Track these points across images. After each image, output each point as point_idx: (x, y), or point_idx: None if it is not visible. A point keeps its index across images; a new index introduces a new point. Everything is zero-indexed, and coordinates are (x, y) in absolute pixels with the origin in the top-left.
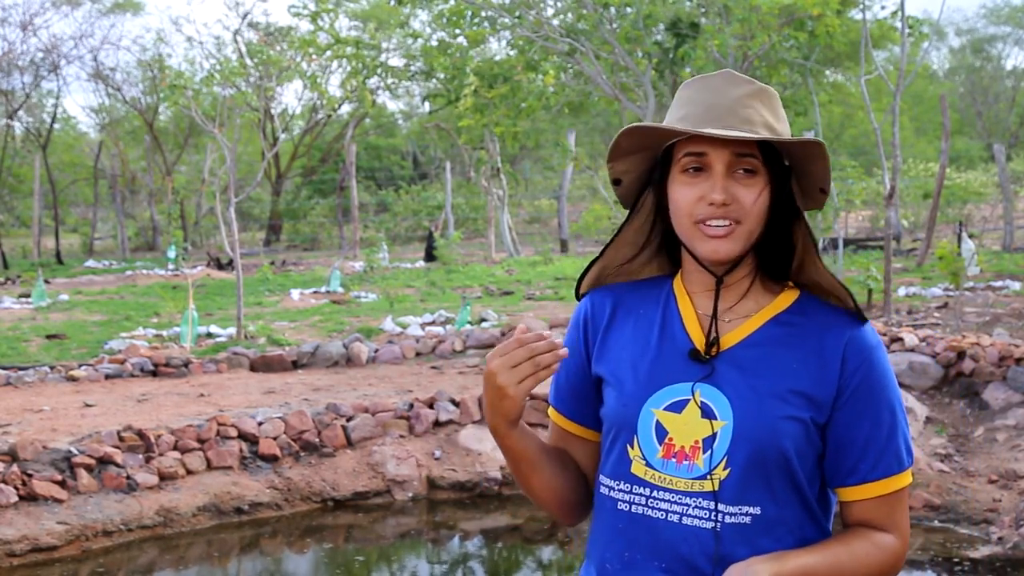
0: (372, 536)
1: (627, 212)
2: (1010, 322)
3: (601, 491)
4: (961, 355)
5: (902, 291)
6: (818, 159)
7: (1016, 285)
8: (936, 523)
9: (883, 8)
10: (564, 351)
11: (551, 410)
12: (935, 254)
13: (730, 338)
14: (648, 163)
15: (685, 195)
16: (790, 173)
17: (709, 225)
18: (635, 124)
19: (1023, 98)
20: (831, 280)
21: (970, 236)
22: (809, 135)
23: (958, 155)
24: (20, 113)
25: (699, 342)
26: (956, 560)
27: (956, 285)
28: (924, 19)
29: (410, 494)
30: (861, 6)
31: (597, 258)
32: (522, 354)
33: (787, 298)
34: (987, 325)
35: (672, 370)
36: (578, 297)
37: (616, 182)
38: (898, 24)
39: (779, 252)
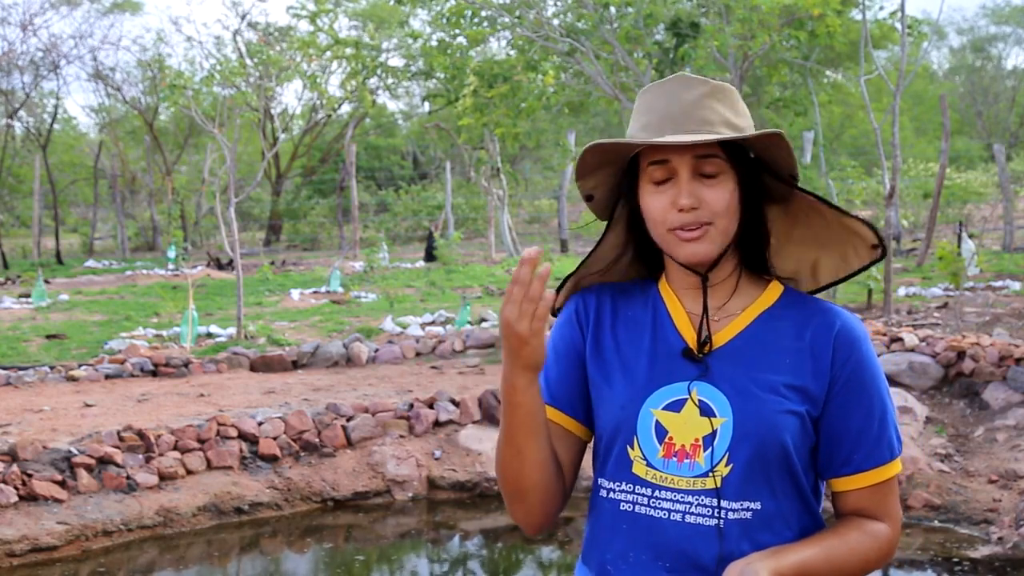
0: (372, 536)
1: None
2: (1010, 322)
3: (601, 494)
4: (961, 355)
5: (902, 291)
6: (780, 148)
7: (1016, 285)
8: (936, 523)
9: (882, 8)
10: (544, 268)
11: None
12: (935, 254)
13: (722, 336)
14: (617, 176)
15: (655, 204)
16: (759, 165)
17: (682, 230)
18: (597, 141)
19: (1023, 98)
20: (844, 225)
21: (970, 236)
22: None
23: (958, 155)
24: (20, 113)
25: (692, 341)
26: (956, 560)
27: (956, 285)
28: (924, 19)
29: (410, 494)
30: (861, 6)
31: (574, 272)
32: (519, 292)
33: (773, 293)
34: (987, 325)
35: (667, 370)
36: (554, 313)
37: (588, 198)
38: (898, 24)
39: (757, 243)
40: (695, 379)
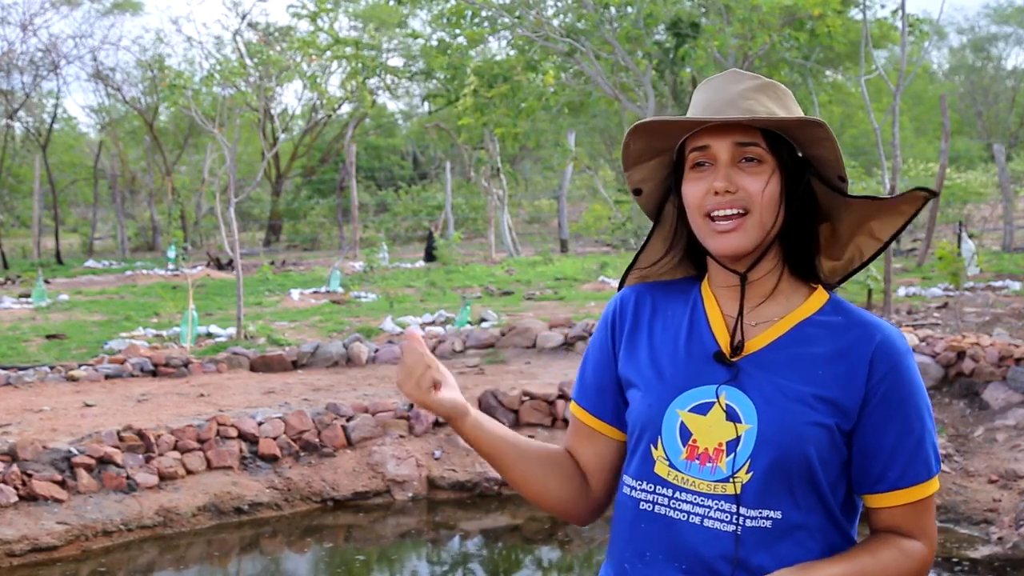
0: (372, 536)
1: (647, 222)
2: (1010, 322)
3: (624, 491)
4: (961, 355)
5: (902, 291)
6: (822, 141)
7: (1016, 285)
8: (936, 523)
9: (884, 7)
10: (414, 337)
11: (572, 404)
12: (935, 254)
13: (757, 341)
14: (666, 170)
15: (693, 190)
16: (806, 165)
17: (717, 218)
18: (640, 121)
19: (1023, 98)
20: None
21: (970, 236)
22: None
23: (958, 155)
24: (20, 113)
25: (725, 344)
26: (956, 560)
27: (956, 285)
28: (924, 19)
29: (410, 494)
30: (862, 6)
31: (629, 268)
32: (407, 364)
33: (816, 301)
34: (987, 325)
35: (698, 372)
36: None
37: (636, 192)
38: (899, 23)
39: (805, 249)
40: (724, 383)
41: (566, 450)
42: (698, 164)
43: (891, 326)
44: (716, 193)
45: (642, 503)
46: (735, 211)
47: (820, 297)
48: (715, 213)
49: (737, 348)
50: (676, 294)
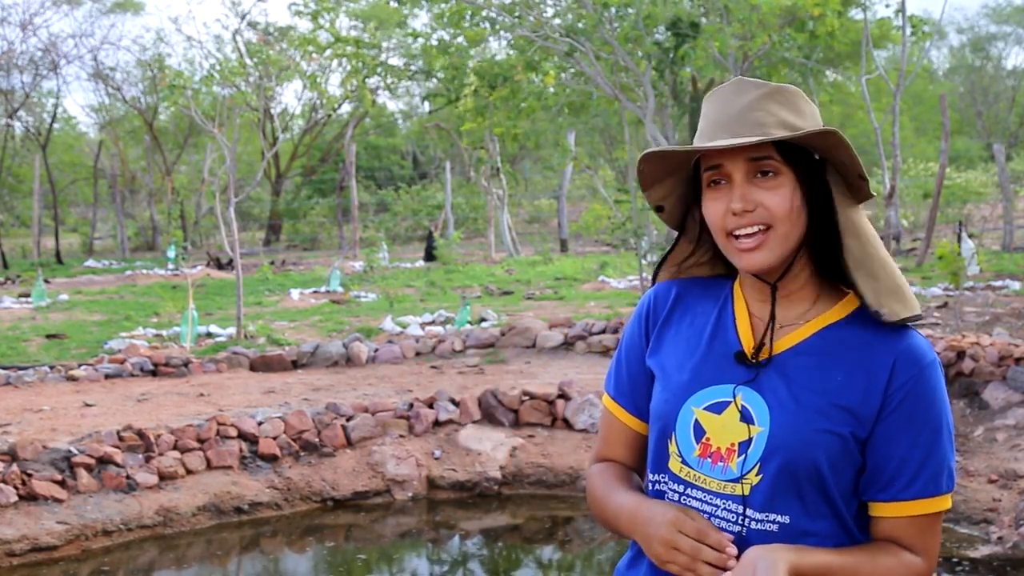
0: (372, 536)
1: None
2: (1010, 322)
3: (648, 485)
4: (961, 355)
5: None
6: (839, 148)
7: (1016, 285)
8: (939, 541)
9: (888, 6)
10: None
11: (606, 397)
12: (935, 254)
13: (779, 344)
14: (684, 185)
15: (713, 210)
16: (823, 166)
17: (739, 236)
18: (651, 150)
19: (1023, 98)
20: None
21: (970, 236)
22: None
23: (958, 155)
24: (20, 113)
25: (747, 345)
26: (956, 560)
27: (956, 285)
28: (926, 19)
29: (410, 494)
30: (863, 6)
31: (661, 263)
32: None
33: (845, 307)
34: (987, 325)
35: (718, 371)
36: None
37: (658, 209)
38: (899, 22)
39: (830, 251)
40: (742, 384)
41: (612, 462)
42: (714, 182)
43: (919, 335)
44: (735, 214)
45: (668, 495)
46: (756, 228)
47: (849, 303)
48: (736, 232)
49: (759, 348)
50: (708, 292)
